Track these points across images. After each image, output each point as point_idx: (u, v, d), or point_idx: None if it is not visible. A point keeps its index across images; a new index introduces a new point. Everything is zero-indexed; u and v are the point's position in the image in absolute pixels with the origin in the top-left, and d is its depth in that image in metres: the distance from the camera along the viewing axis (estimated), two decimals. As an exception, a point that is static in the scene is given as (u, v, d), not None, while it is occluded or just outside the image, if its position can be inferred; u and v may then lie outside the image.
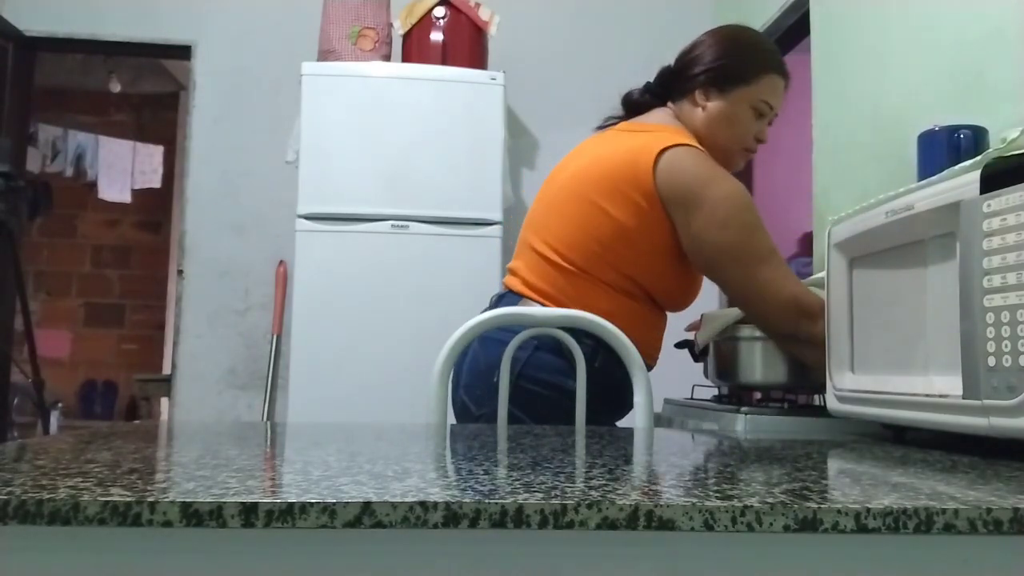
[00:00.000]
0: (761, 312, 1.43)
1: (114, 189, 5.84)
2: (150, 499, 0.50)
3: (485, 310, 1.43)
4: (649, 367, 1.48)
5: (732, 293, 1.47)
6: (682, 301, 1.57)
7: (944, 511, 0.54)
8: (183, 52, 3.63)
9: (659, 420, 1.79)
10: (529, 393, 1.45)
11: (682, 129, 1.53)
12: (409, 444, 0.90)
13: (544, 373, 1.45)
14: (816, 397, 1.67)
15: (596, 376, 1.45)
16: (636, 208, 1.43)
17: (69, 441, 0.84)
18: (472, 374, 1.53)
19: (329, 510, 0.51)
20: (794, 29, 2.85)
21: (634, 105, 1.61)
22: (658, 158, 1.42)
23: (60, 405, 5.81)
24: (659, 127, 1.52)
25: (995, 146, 0.96)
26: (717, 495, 0.57)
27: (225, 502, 0.50)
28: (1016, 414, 0.84)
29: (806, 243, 2.81)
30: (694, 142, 1.47)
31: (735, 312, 1.60)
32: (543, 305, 1.48)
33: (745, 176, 1.73)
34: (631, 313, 1.46)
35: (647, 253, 1.46)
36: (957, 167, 0.96)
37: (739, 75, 1.50)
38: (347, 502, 0.51)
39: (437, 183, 2.95)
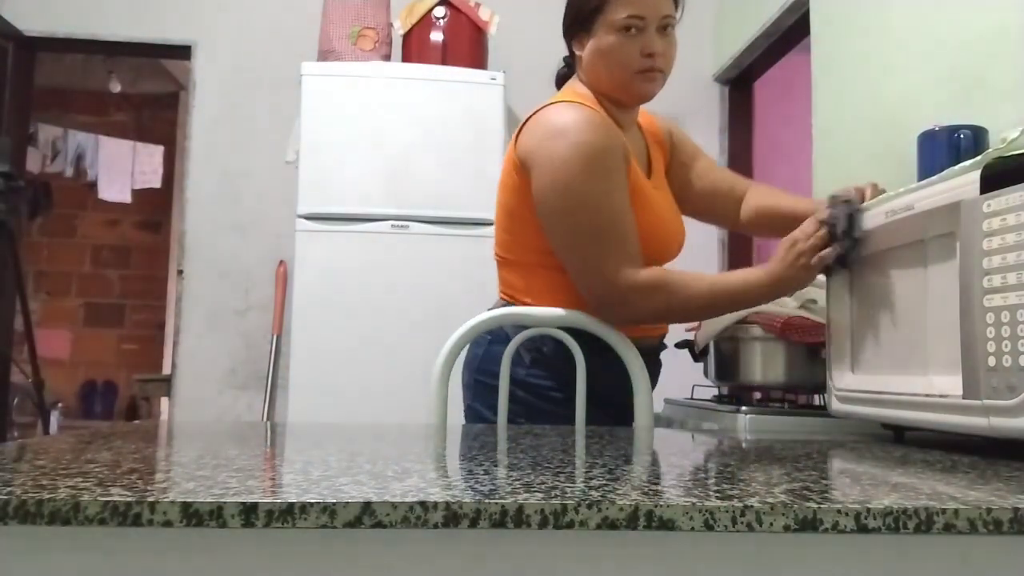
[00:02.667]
0: (579, 288, 1.39)
1: (114, 189, 5.83)
2: (150, 499, 0.50)
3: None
4: (644, 347, 1.43)
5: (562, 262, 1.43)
6: (648, 258, 1.43)
7: (944, 511, 0.54)
8: (183, 52, 3.63)
9: (659, 420, 1.79)
10: (487, 387, 1.49)
11: (576, 87, 1.50)
12: (409, 444, 0.90)
13: (496, 366, 1.47)
14: (816, 397, 1.67)
15: (544, 361, 1.46)
16: (514, 185, 1.44)
17: (69, 441, 0.84)
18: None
19: (329, 510, 0.51)
20: (794, 29, 2.85)
21: (559, 80, 1.58)
22: (521, 129, 1.43)
23: (60, 405, 5.81)
24: (565, 91, 1.51)
25: (995, 146, 0.96)
26: (717, 495, 0.57)
27: (225, 502, 0.50)
28: (1016, 414, 0.84)
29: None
30: (576, 97, 1.44)
31: (735, 313, 1.60)
32: (511, 303, 1.49)
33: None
34: (569, 285, 1.42)
35: (538, 224, 1.42)
36: (957, 167, 0.96)
37: (592, 6, 1.42)
38: (347, 502, 0.51)
39: (437, 183, 2.95)
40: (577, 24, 1.46)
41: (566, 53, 1.56)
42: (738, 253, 3.49)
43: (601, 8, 1.41)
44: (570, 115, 1.38)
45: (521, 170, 1.41)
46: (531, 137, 1.41)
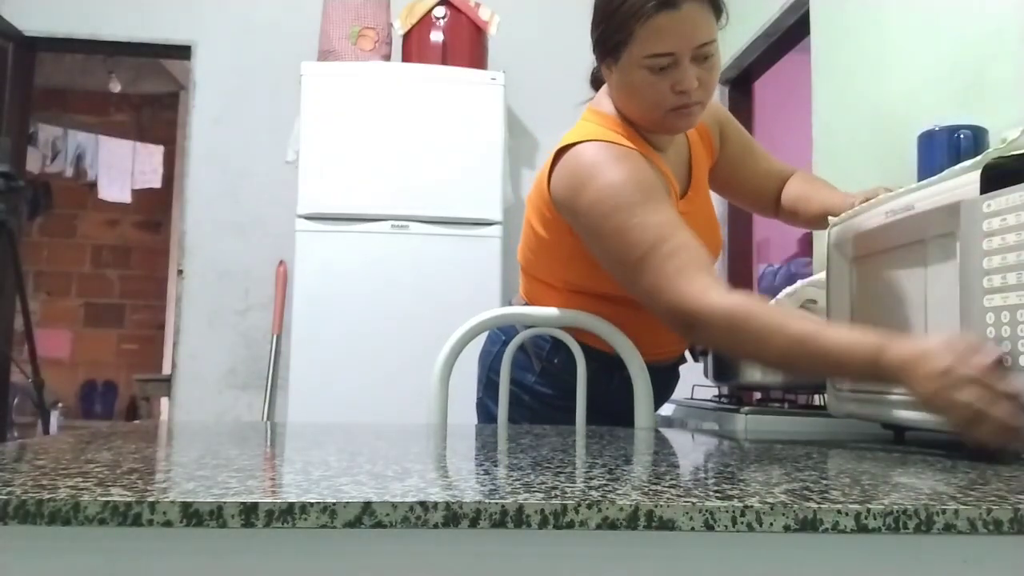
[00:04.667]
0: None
1: (114, 189, 5.84)
2: (150, 499, 0.50)
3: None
4: (656, 365, 1.43)
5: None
6: None
7: (944, 511, 0.54)
8: (183, 52, 3.63)
9: (659, 420, 1.79)
10: (498, 385, 1.50)
11: (605, 111, 1.38)
12: (409, 444, 0.90)
13: (511, 367, 1.49)
14: (816, 397, 1.67)
15: (553, 372, 1.47)
16: (544, 219, 1.38)
17: (69, 441, 0.84)
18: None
19: (329, 510, 0.51)
20: (794, 29, 2.85)
21: (594, 82, 1.49)
22: (553, 165, 1.33)
23: (60, 405, 5.81)
24: (591, 112, 1.40)
25: (995, 146, 0.96)
26: (717, 495, 0.57)
27: (225, 502, 0.50)
28: (1016, 414, 0.83)
29: (806, 243, 2.81)
30: (603, 129, 1.32)
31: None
32: (530, 304, 1.51)
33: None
34: (594, 311, 1.40)
35: (573, 259, 1.37)
36: (957, 167, 0.96)
37: (616, 39, 1.26)
38: (347, 502, 0.51)
39: (437, 183, 2.95)
40: (603, 50, 1.32)
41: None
42: (738, 254, 3.49)
43: (626, 41, 1.25)
44: (598, 156, 1.27)
45: (555, 211, 1.34)
46: (561, 187, 1.31)
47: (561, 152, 1.32)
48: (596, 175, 1.25)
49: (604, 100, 1.40)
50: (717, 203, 1.59)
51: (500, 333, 1.53)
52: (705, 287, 1.15)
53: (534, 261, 1.47)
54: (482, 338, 1.55)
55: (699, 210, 1.44)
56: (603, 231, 1.25)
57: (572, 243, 1.34)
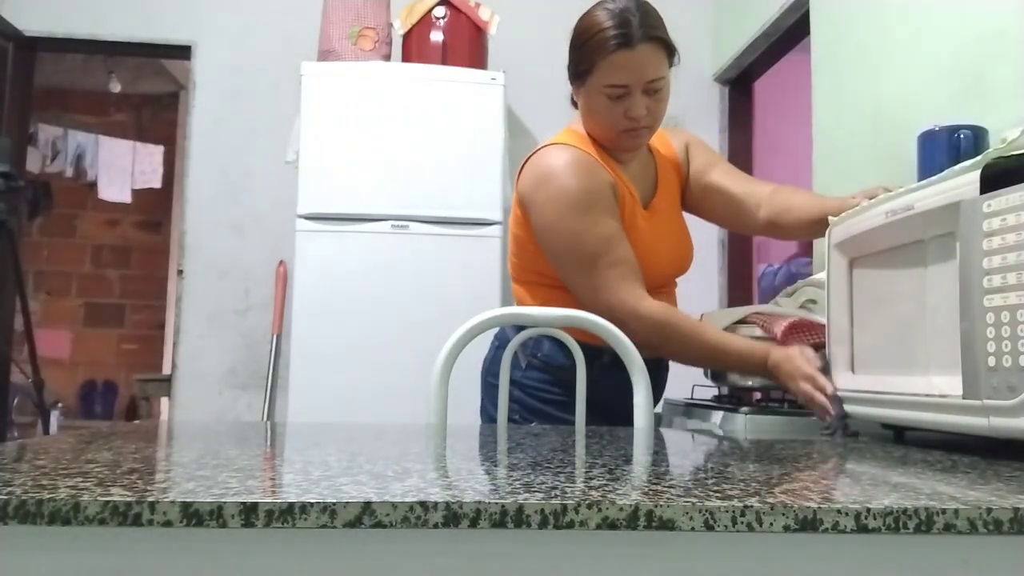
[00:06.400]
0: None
1: (114, 189, 5.83)
2: (150, 499, 0.50)
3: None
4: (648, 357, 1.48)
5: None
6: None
7: (944, 511, 0.54)
8: (183, 52, 3.62)
9: (659, 420, 1.79)
10: (491, 387, 1.61)
11: (574, 126, 1.59)
12: (409, 444, 0.90)
13: (499, 367, 1.57)
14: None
15: (537, 365, 1.57)
16: (516, 218, 1.57)
17: (69, 441, 0.84)
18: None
19: (329, 510, 0.51)
20: (794, 29, 2.85)
21: (573, 102, 1.64)
22: (523, 167, 1.54)
23: (60, 405, 5.80)
24: (564, 131, 1.60)
25: (995, 146, 0.96)
26: (717, 495, 0.57)
27: (225, 502, 0.50)
28: (1016, 414, 0.84)
29: (806, 243, 2.81)
30: (570, 138, 1.54)
31: (735, 312, 1.60)
32: None
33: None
34: (572, 303, 1.48)
35: (539, 252, 1.53)
36: (957, 167, 0.96)
37: (583, 68, 1.49)
38: (347, 502, 0.51)
39: (437, 183, 2.95)
40: (572, 75, 1.54)
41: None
42: (738, 254, 3.49)
43: (590, 71, 1.47)
44: (558, 160, 1.50)
45: (522, 208, 1.54)
46: (525, 181, 1.53)
47: (530, 158, 1.54)
48: (555, 176, 1.48)
49: (576, 121, 1.61)
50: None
51: (495, 339, 1.64)
52: (640, 296, 1.44)
53: (516, 263, 1.62)
54: (482, 341, 1.56)
55: (665, 222, 1.61)
56: (555, 229, 1.47)
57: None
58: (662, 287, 1.59)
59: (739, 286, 3.44)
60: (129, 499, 0.50)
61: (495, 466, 0.73)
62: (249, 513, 0.50)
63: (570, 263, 1.48)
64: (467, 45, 3.17)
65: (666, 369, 1.64)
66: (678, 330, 1.44)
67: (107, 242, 6.54)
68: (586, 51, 1.47)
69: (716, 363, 1.54)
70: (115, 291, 6.53)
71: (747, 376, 1.57)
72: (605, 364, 1.47)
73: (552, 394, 1.55)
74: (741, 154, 3.47)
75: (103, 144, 5.81)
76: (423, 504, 0.52)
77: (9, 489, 0.53)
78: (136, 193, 5.96)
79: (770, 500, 0.55)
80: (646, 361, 1.55)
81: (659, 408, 1.90)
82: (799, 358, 1.33)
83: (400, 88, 2.99)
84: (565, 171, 1.47)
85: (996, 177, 0.89)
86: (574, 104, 1.62)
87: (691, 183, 1.69)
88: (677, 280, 1.67)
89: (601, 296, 1.43)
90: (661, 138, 1.65)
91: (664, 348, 1.46)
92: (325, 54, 3.11)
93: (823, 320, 1.31)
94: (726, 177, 1.69)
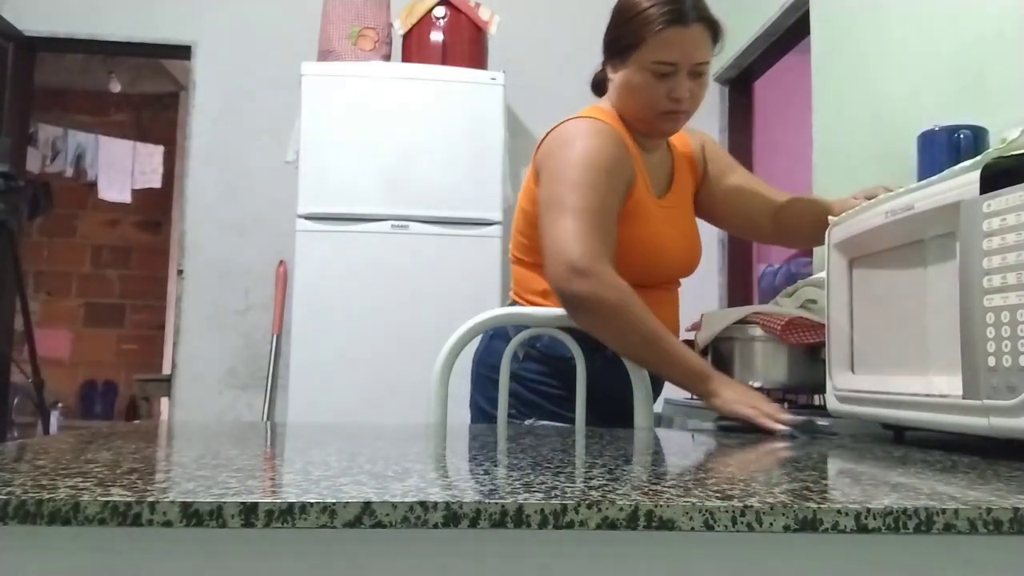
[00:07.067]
0: (544, 262, 1.38)
1: (114, 189, 5.83)
2: (150, 499, 0.50)
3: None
4: None
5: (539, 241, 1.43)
6: (636, 270, 1.43)
7: (944, 511, 0.54)
8: (183, 52, 3.63)
9: (659, 420, 1.79)
10: (484, 379, 1.54)
11: (602, 104, 1.54)
12: (409, 444, 0.90)
13: (494, 358, 1.51)
14: (816, 397, 1.67)
15: (535, 357, 1.51)
16: (530, 192, 1.50)
17: (69, 441, 0.84)
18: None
19: (329, 510, 0.51)
20: (794, 29, 2.85)
21: (595, 85, 1.61)
22: (542, 141, 1.49)
23: (60, 405, 5.81)
24: (589, 107, 1.54)
25: (995, 146, 0.96)
26: (717, 495, 0.57)
27: (225, 502, 0.50)
28: (1016, 414, 0.84)
29: (806, 243, 2.81)
30: (597, 113, 1.48)
31: (735, 312, 1.60)
32: (517, 303, 1.55)
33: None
34: None
35: None
36: (957, 167, 0.96)
37: (628, 42, 1.44)
38: (347, 502, 0.51)
39: (437, 183, 2.95)
40: (613, 51, 1.48)
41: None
42: (738, 254, 3.49)
43: (637, 45, 1.42)
44: (582, 127, 1.44)
45: (536, 177, 1.47)
46: (545, 147, 1.47)
47: (552, 130, 1.48)
48: (581, 138, 1.42)
49: (604, 101, 1.55)
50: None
51: (489, 330, 1.54)
52: (608, 264, 1.34)
53: (524, 244, 1.55)
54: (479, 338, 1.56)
55: (677, 216, 1.56)
56: (563, 175, 1.39)
57: None
58: (665, 285, 1.55)
59: (739, 286, 3.45)
60: (129, 499, 0.50)
61: (495, 466, 0.73)
62: (249, 513, 0.50)
63: (556, 206, 1.37)
64: (467, 45, 3.17)
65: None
66: (634, 305, 1.31)
67: (107, 242, 6.54)
68: (634, 25, 1.42)
69: (657, 356, 1.35)
70: (115, 291, 6.53)
71: (679, 384, 1.39)
72: (608, 357, 1.43)
73: (550, 387, 1.50)
74: (741, 154, 3.47)
75: (103, 144, 5.81)
76: (423, 504, 0.52)
77: (9, 489, 0.53)
78: (136, 193, 5.96)
79: (770, 500, 0.55)
80: None
81: (660, 408, 1.90)
82: (745, 388, 1.33)
83: (400, 88, 2.99)
84: (589, 134, 1.42)
85: (996, 177, 0.89)
86: (594, 90, 1.59)
87: (707, 186, 1.66)
88: (681, 282, 1.63)
89: (572, 245, 1.32)
90: (679, 135, 1.61)
91: (612, 318, 1.33)
92: (325, 54, 3.11)
93: (823, 320, 1.31)
94: (745, 183, 1.66)
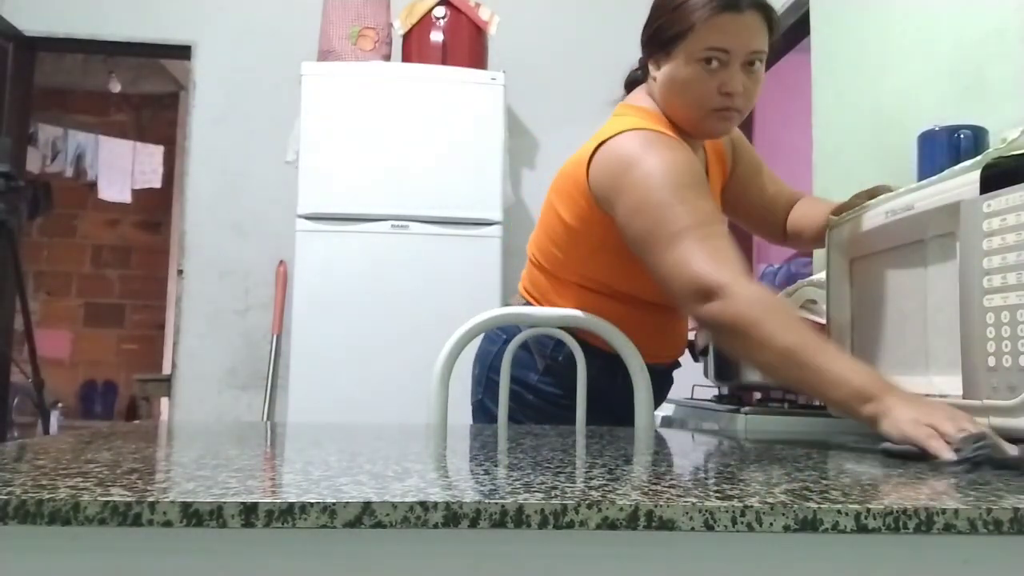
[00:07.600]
0: (673, 297, 1.23)
1: (114, 189, 5.84)
2: (150, 499, 0.50)
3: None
4: (654, 367, 1.42)
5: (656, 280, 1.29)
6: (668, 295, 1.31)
7: (944, 511, 0.54)
8: (183, 52, 3.63)
9: (659, 420, 1.79)
10: (497, 384, 1.51)
11: (644, 107, 1.41)
12: (409, 444, 0.90)
13: (512, 366, 1.50)
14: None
15: (557, 370, 1.48)
16: (579, 209, 1.38)
17: (69, 441, 0.84)
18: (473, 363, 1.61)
19: (329, 510, 0.51)
20: (794, 29, 2.85)
21: (629, 84, 1.52)
22: (593, 155, 1.34)
23: (60, 405, 5.81)
24: (627, 107, 1.43)
25: (995, 146, 0.96)
26: (717, 495, 0.57)
27: (225, 502, 0.50)
28: (1016, 414, 0.84)
29: (806, 243, 2.81)
30: (645, 121, 1.34)
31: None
32: (529, 303, 1.52)
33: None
34: (604, 311, 1.39)
35: (598, 252, 1.39)
36: (957, 167, 0.96)
37: (674, 31, 1.31)
38: (347, 502, 0.51)
39: (437, 183, 2.95)
40: (656, 43, 1.36)
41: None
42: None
43: (684, 34, 1.30)
44: (638, 142, 1.29)
45: (595, 204, 1.34)
46: (603, 174, 1.31)
47: (603, 144, 1.32)
48: (647, 156, 1.26)
49: (640, 98, 1.42)
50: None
51: (500, 332, 1.53)
52: (737, 273, 1.14)
53: (555, 256, 1.45)
54: (480, 338, 1.56)
55: None
56: (647, 203, 1.23)
57: (602, 235, 1.35)
58: None
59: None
60: (129, 499, 0.50)
61: (495, 466, 0.73)
62: (249, 513, 0.50)
63: (656, 240, 1.21)
64: (467, 45, 3.17)
65: (672, 382, 1.62)
66: (767, 320, 1.07)
67: (107, 242, 6.54)
68: (683, 11, 1.29)
69: (799, 373, 1.05)
70: (115, 291, 6.53)
71: (837, 408, 1.03)
72: (608, 360, 1.40)
73: (574, 403, 1.45)
74: (741, 154, 3.47)
75: (103, 144, 5.82)
76: (423, 504, 0.52)
77: (9, 489, 0.53)
78: (136, 193, 5.96)
79: (770, 500, 0.55)
80: (662, 369, 1.54)
81: (670, 411, 1.90)
82: (924, 402, 0.93)
83: (400, 88, 2.99)
84: (655, 148, 1.26)
85: (996, 177, 0.89)
86: (627, 87, 1.49)
87: (734, 183, 1.59)
88: None
89: (688, 269, 1.16)
90: None
91: (744, 338, 1.10)
92: (325, 54, 3.11)
93: (823, 320, 1.31)
94: (769, 184, 1.62)
